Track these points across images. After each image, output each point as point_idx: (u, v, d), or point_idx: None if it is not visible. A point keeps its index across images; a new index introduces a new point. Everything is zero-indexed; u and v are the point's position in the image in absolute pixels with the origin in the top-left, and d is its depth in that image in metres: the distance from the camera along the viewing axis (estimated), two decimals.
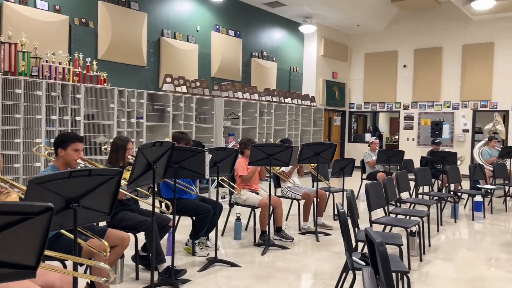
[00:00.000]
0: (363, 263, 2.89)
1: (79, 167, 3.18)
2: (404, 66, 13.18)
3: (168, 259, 3.82)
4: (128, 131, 7.58)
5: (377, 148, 8.06)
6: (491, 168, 8.30)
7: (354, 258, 2.86)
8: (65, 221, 2.04)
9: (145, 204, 3.80)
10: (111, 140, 7.01)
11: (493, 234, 5.69)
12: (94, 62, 7.46)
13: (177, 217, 4.68)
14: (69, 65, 7.05)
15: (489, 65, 11.74)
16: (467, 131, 12.23)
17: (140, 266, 3.85)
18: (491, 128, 11.11)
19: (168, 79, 8.62)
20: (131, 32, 8.36)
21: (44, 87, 6.37)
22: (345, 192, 6.35)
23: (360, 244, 3.84)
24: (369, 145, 8.20)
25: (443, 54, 12.48)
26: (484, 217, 6.70)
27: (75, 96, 6.84)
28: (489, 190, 7.16)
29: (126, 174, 3.59)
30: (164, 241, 4.23)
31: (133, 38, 8.41)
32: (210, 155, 3.65)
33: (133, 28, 8.40)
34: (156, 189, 3.53)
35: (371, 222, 4.32)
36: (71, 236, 2.14)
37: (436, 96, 12.65)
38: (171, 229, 3.88)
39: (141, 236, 3.70)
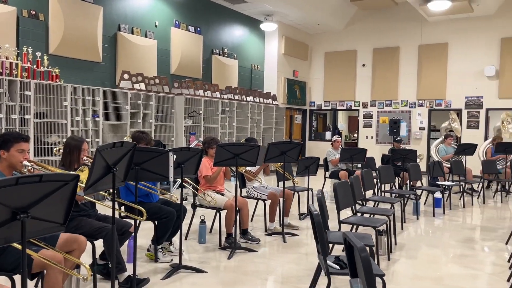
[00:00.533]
0: (338, 267, 2.79)
1: (25, 170, 2.88)
2: (363, 65, 13.38)
3: (129, 267, 3.57)
4: (83, 130, 7.18)
5: (340, 146, 8.08)
6: (449, 165, 8.54)
7: (329, 262, 2.75)
8: (11, 234, 1.79)
9: (103, 208, 3.54)
10: (65, 140, 6.62)
11: (454, 230, 5.80)
12: (45, 57, 7.00)
13: (138, 221, 4.41)
14: (17, 60, 6.56)
15: (444, 65, 12.12)
16: (423, 129, 12.58)
17: (98, 276, 3.57)
18: (447, 126, 11.49)
19: (126, 76, 8.25)
20: (85, 26, 7.92)
21: None
22: (311, 191, 6.34)
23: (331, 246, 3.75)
24: (332, 144, 8.20)
25: (400, 53, 12.77)
26: (444, 213, 6.84)
27: (23, 93, 6.37)
28: (447, 187, 7.34)
29: (81, 174, 3.32)
30: (124, 247, 3.98)
31: (88, 32, 7.97)
32: (175, 156, 3.43)
33: (88, 22, 7.96)
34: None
35: (340, 222, 4.26)
36: (19, 247, 1.88)
37: (393, 95, 12.92)
38: (132, 235, 3.63)
39: (99, 242, 3.43)
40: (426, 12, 11.22)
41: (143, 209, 3.34)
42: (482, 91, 11.67)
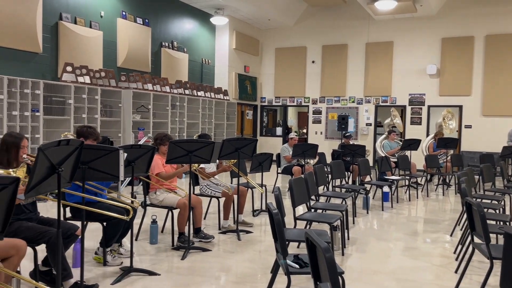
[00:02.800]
0: (297, 266, 2.74)
1: None
2: (313, 61, 13.55)
3: (75, 273, 3.34)
4: (21, 125, 6.69)
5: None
6: (395, 160, 8.84)
7: (288, 262, 2.70)
8: None
9: (46, 211, 3.27)
10: (0, 136, 6.14)
11: (401, 223, 5.99)
12: None
13: (86, 223, 4.15)
14: None
15: (389, 63, 12.53)
16: (370, 124, 12.96)
17: (40, 283, 3.31)
18: (390, 122, 11.93)
19: (69, 68, 7.79)
20: (23, 14, 7.37)
21: None
22: (263, 187, 6.30)
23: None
24: (288, 140, 8.23)
25: (348, 51, 13.06)
26: (392, 206, 7.07)
27: None
28: (394, 181, 7.58)
29: (19, 173, 3.05)
30: (69, 251, 3.72)
31: (26, 20, 7.43)
32: (125, 154, 3.23)
33: (25, 9, 7.42)
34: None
35: (296, 219, 4.24)
36: None
37: (342, 92, 13.20)
38: (79, 238, 3.40)
39: (41, 247, 3.17)
40: (373, 11, 11.53)
41: (129, 207, 3.14)
42: (424, 89, 12.19)
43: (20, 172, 2.85)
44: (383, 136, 10.04)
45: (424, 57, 12.08)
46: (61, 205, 3.28)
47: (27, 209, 3.24)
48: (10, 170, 2.77)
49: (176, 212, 4.62)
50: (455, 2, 11.67)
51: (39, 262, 3.37)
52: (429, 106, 12.19)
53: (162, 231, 5.12)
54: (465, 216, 3.93)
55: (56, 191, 2.51)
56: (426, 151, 10.06)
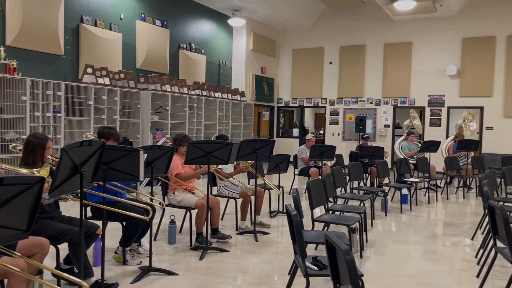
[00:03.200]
0: (316, 268, 2.73)
1: None
2: (330, 62, 13.48)
3: (96, 271, 3.39)
4: (43, 126, 6.83)
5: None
6: (414, 162, 8.73)
7: (307, 263, 2.69)
8: None
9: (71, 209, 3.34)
10: (23, 137, 6.26)
11: (421, 226, 5.91)
12: (2, 49, 6.59)
13: (106, 223, 4.21)
14: None
15: (408, 63, 12.38)
16: (388, 126, 12.83)
17: (62, 281, 3.37)
18: (409, 123, 11.78)
19: (89, 70, 7.92)
20: (45, 17, 7.52)
21: None
22: (280, 189, 6.30)
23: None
24: (305, 142, 8.22)
25: (366, 52, 12.95)
26: (411, 209, 6.98)
27: None
28: (413, 183, 7.48)
29: (43, 173, 3.11)
30: (90, 250, 3.78)
31: (48, 23, 7.58)
32: (145, 155, 3.27)
33: (48, 13, 7.57)
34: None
35: (313, 221, 4.22)
36: None
37: (359, 93, 13.10)
38: (99, 237, 3.45)
39: (63, 246, 3.23)
40: (392, 11, 11.41)
41: (149, 208, 3.19)
42: (444, 90, 12.01)
43: (43, 172, 2.91)
44: (402, 137, 9.92)
45: (444, 58, 11.90)
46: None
47: (50, 208, 3.30)
48: (34, 170, 2.83)
49: (194, 212, 4.65)
50: (476, 2, 11.47)
51: (61, 260, 3.43)
52: (448, 108, 12.00)
53: (180, 231, 5.16)
54: (486, 219, 3.86)
55: (78, 190, 2.55)
56: (446, 153, 9.91)
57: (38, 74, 7.32)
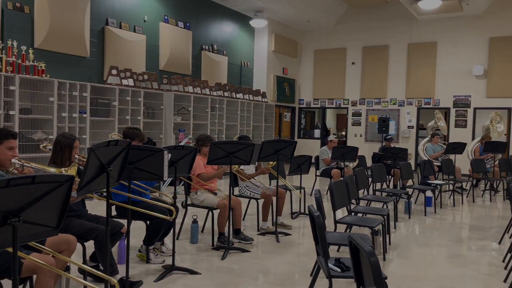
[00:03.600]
0: (339, 270, 2.72)
1: (11, 169, 2.75)
2: (353, 63, 13.37)
3: (120, 269, 3.46)
4: (70, 126, 6.99)
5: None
6: (439, 164, 8.57)
7: (330, 265, 2.68)
8: (1, 239, 1.66)
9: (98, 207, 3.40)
10: (51, 137, 6.42)
11: (445, 229, 5.79)
12: (30, 51, 6.79)
13: (131, 222, 4.28)
14: (1, 54, 6.35)
15: (432, 64, 12.17)
16: (412, 127, 12.63)
17: (88, 278, 3.45)
18: (434, 125, 11.56)
19: (114, 71, 8.07)
20: (72, 20, 7.71)
21: None
22: (303, 190, 6.28)
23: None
24: (326, 143, 8.17)
25: (390, 52, 12.79)
26: (435, 212, 6.85)
27: (8, 88, 6.17)
28: (437, 186, 7.35)
29: (71, 172, 3.18)
30: (114, 248, 3.86)
31: (75, 26, 7.76)
32: (169, 155, 3.32)
33: (75, 15, 7.75)
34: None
35: (336, 222, 4.20)
36: (10, 250, 1.76)
37: (382, 93, 12.94)
38: (124, 235, 3.52)
39: (89, 244, 3.31)
40: (417, 11, 11.24)
41: (172, 208, 3.25)
42: (470, 90, 11.75)
43: (71, 171, 2.98)
44: (426, 139, 9.76)
45: (470, 58, 11.64)
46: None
47: (77, 206, 3.38)
48: (62, 169, 2.90)
49: (216, 212, 4.68)
50: (504, 1, 11.18)
51: (87, 258, 3.51)
52: (475, 108, 11.74)
53: (202, 231, 5.20)
54: None
55: (103, 189, 2.61)
56: (472, 155, 9.69)
57: (65, 75, 7.51)
